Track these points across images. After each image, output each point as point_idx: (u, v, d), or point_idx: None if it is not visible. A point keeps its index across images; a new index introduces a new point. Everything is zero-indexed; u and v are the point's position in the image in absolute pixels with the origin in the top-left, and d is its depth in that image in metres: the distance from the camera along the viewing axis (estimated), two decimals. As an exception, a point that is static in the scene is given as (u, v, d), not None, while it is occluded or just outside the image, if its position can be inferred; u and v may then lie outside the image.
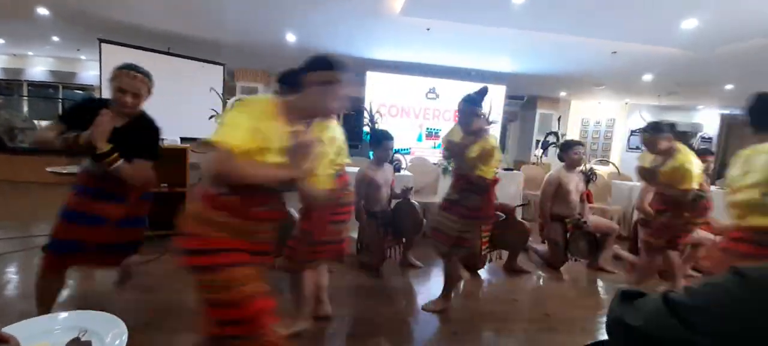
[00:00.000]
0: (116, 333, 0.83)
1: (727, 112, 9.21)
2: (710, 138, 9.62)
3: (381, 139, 2.84)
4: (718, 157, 9.25)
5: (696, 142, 9.72)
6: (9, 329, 0.84)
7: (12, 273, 2.54)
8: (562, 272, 3.24)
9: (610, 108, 9.22)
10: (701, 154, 3.22)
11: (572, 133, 8.93)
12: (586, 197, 3.23)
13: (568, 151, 3.11)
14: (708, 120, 9.64)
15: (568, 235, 3.14)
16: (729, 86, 6.33)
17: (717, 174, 3.67)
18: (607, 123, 9.33)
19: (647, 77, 6.09)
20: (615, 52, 4.82)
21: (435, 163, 5.02)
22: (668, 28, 3.89)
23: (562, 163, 3.17)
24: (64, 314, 0.91)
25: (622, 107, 9.21)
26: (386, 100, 6.30)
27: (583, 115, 9.32)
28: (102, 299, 2.30)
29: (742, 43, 4.14)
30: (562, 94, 8.41)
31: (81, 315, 0.91)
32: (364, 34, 4.85)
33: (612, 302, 0.66)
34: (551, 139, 3.13)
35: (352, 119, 8.57)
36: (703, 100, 8.27)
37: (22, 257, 2.79)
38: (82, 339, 0.81)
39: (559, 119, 5.59)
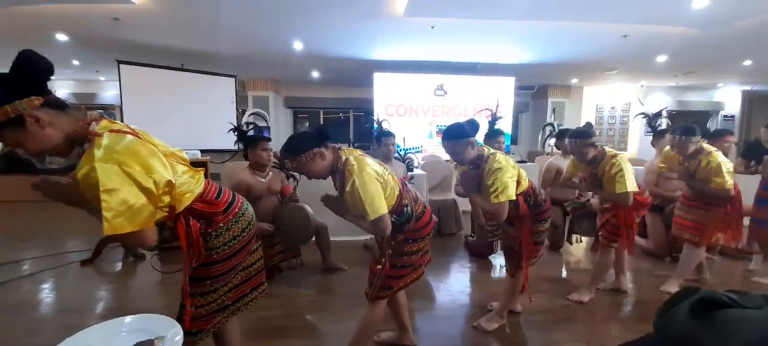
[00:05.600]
0: (174, 332, 0.91)
1: (748, 88, 8.89)
2: (732, 116, 9.30)
3: (379, 136, 3.14)
4: (742, 135, 8.91)
5: (717, 121, 9.42)
6: (78, 337, 0.93)
7: (48, 289, 2.68)
8: (562, 254, 3.46)
9: (626, 91, 8.98)
10: (718, 135, 3.14)
11: (588, 120, 8.77)
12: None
13: (562, 139, 3.34)
14: (729, 98, 9.32)
15: (568, 217, 3.29)
16: (747, 62, 6.13)
17: (741, 153, 3.53)
18: (623, 107, 9.10)
19: (661, 59, 5.95)
20: (626, 36, 4.73)
21: (447, 160, 5.02)
22: (679, 8, 3.80)
23: (559, 151, 3.46)
24: (128, 319, 1.00)
25: (637, 90, 8.98)
26: (394, 100, 6.33)
27: (597, 100, 9.14)
28: (138, 305, 2.41)
29: (756, 18, 4.02)
30: (574, 81, 8.27)
31: (142, 319, 1.00)
32: (368, 36, 4.90)
33: (670, 307, 0.49)
34: (548, 129, 3.26)
35: (362, 120, 8.66)
36: (723, 78, 8.00)
37: (55, 274, 2.93)
38: (155, 341, 0.89)
39: (553, 110, 5.73)
